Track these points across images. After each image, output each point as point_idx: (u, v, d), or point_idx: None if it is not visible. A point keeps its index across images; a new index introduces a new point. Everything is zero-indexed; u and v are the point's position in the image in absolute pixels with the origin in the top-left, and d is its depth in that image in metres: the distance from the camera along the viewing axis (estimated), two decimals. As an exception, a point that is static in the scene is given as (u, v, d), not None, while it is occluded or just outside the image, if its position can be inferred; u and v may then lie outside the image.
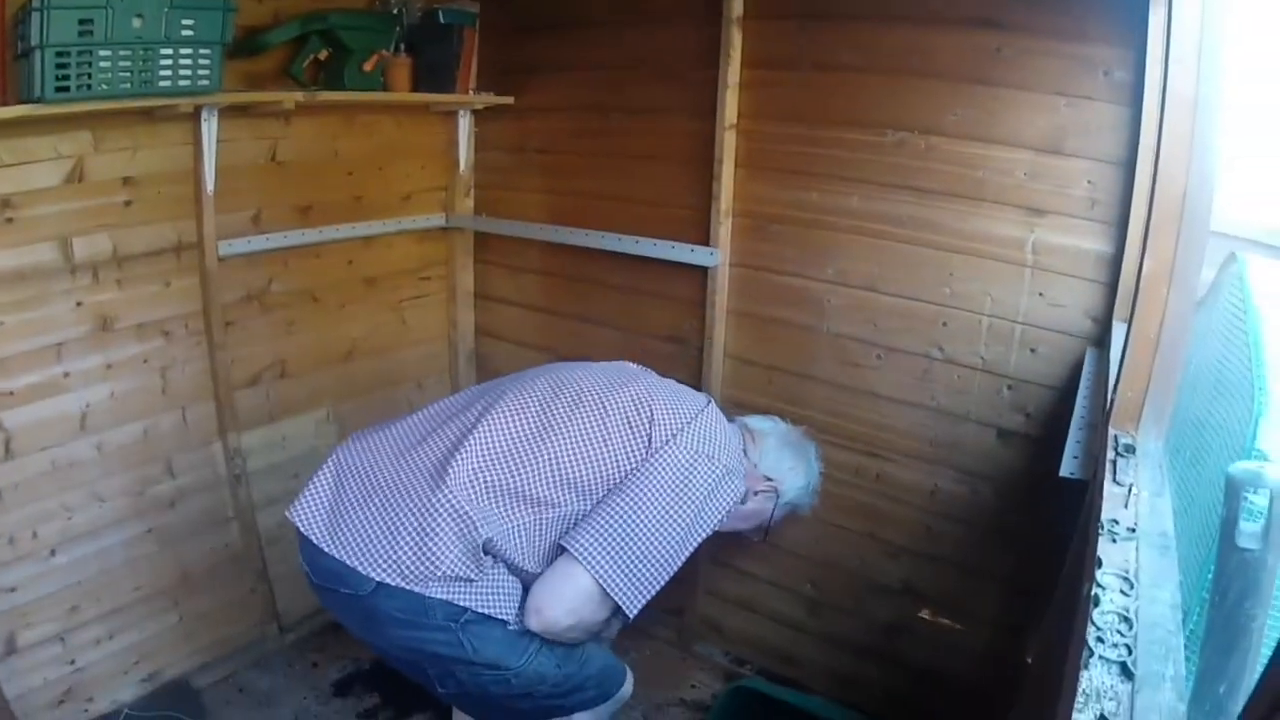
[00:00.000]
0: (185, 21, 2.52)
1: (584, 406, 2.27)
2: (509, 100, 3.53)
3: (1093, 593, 1.35)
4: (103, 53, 2.40)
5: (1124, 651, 1.17)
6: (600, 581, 2.04)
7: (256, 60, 2.92)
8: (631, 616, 2.10)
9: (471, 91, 3.55)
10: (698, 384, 3.21)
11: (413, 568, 2.01)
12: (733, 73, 2.90)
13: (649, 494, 2.14)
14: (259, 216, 3.11)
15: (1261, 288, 2.24)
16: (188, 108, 2.71)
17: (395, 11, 3.19)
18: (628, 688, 2.49)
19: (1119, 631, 1.22)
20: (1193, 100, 1.82)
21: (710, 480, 2.23)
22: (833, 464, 2.96)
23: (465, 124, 3.65)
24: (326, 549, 2.08)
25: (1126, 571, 1.38)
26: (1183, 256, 1.83)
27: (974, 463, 2.74)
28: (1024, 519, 2.65)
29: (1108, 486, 1.67)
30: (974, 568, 2.81)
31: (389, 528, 2.05)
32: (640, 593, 2.09)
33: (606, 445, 2.21)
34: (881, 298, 2.81)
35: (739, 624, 3.39)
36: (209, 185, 2.90)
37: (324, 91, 3.02)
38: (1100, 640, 1.23)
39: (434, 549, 2.01)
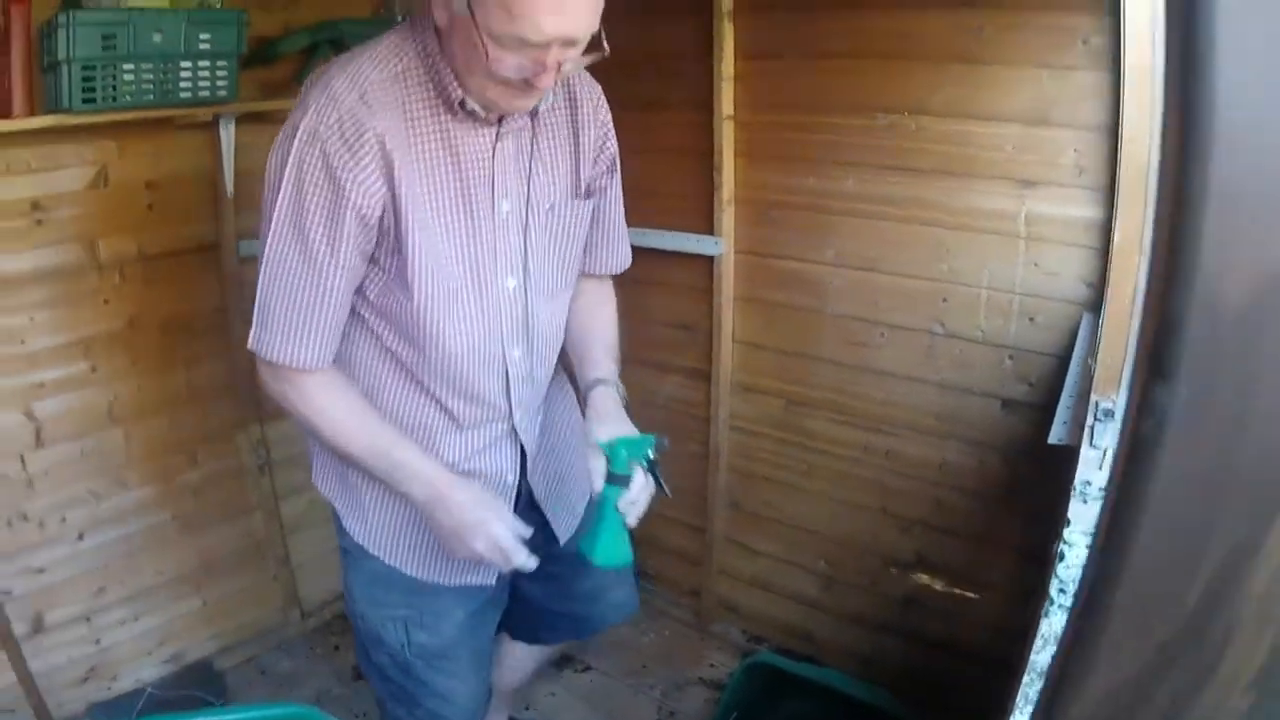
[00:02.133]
0: (202, 35, 2.65)
1: None
2: (513, 96, 3.60)
3: (1059, 549, 1.41)
4: (126, 66, 2.53)
5: (1081, 602, 1.23)
6: None
7: (270, 68, 3.02)
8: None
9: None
10: (708, 369, 3.28)
11: None
12: (727, 64, 2.98)
13: None
14: (277, 218, 3.19)
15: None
16: (206, 116, 2.81)
17: (400, 18, 3.28)
18: None
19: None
20: (1150, 68, 1.86)
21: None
22: (842, 442, 3.05)
23: (472, 122, 3.71)
24: None
25: (1094, 530, 1.42)
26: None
27: (980, 434, 2.78)
28: (1032, 487, 2.67)
29: (1084, 450, 1.72)
30: (985, 537, 2.85)
31: None
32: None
33: None
34: (881, 277, 2.87)
35: (755, 603, 3.45)
36: (228, 188, 3.00)
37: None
38: (1062, 592, 1.31)
39: None
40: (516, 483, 1.96)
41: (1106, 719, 0.75)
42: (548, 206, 1.77)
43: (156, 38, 2.56)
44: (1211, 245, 0.57)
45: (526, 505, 2.00)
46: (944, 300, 2.76)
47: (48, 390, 2.79)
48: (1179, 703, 0.77)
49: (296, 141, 1.54)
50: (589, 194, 1.87)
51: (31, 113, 2.51)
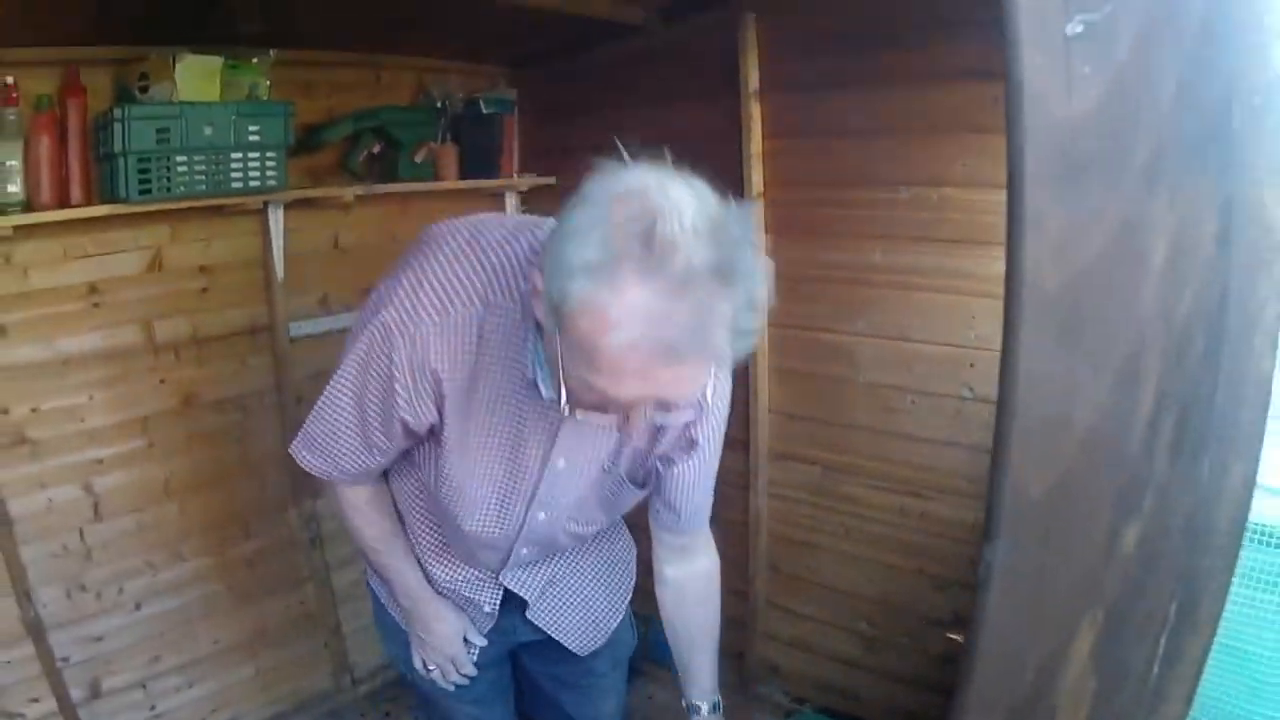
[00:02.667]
0: (251, 128, 2.79)
1: None
2: (551, 180, 3.77)
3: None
4: (179, 158, 2.68)
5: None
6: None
7: (315, 155, 3.18)
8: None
9: (515, 174, 3.79)
10: (746, 438, 3.34)
11: None
12: (755, 143, 3.10)
13: None
14: (326, 299, 3.35)
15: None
16: (256, 203, 2.96)
17: (439, 104, 3.44)
18: None
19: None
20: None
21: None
22: (878, 506, 3.11)
23: (512, 204, 3.86)
24: None
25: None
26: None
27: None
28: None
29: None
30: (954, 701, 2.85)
31: None
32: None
33: None
34: (911, 345, 2.93)
35: (797, 664, 3.48)
36: (278, 271, 3.13)
37: (380, 184, 3.28)
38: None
39: None
40: (495, 612, 1.96)
41: None
42: (603, 467, 1.70)
43: (208, 130, 2.71)
44: (1017, 458, 0.85)
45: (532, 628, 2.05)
46: (972, 365, 2.81)
47: (106, 466, 2.91)
48: None
49: (377, 327, 1.48)
50: (644, 484, 1.77)
51: (88, 201, 2.67)
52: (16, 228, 2.57)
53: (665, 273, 1.10)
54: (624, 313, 1.11)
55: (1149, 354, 0.89)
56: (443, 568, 1.90)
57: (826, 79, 2.95)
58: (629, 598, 2.13)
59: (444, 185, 3.51)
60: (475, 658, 1.99)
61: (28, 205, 2.61)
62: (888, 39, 2.77)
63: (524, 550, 1.83)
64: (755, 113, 3.08)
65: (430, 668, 1.99)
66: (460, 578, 1.91)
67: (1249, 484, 0.97)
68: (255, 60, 2.84)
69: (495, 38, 3.44)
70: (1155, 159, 0.83)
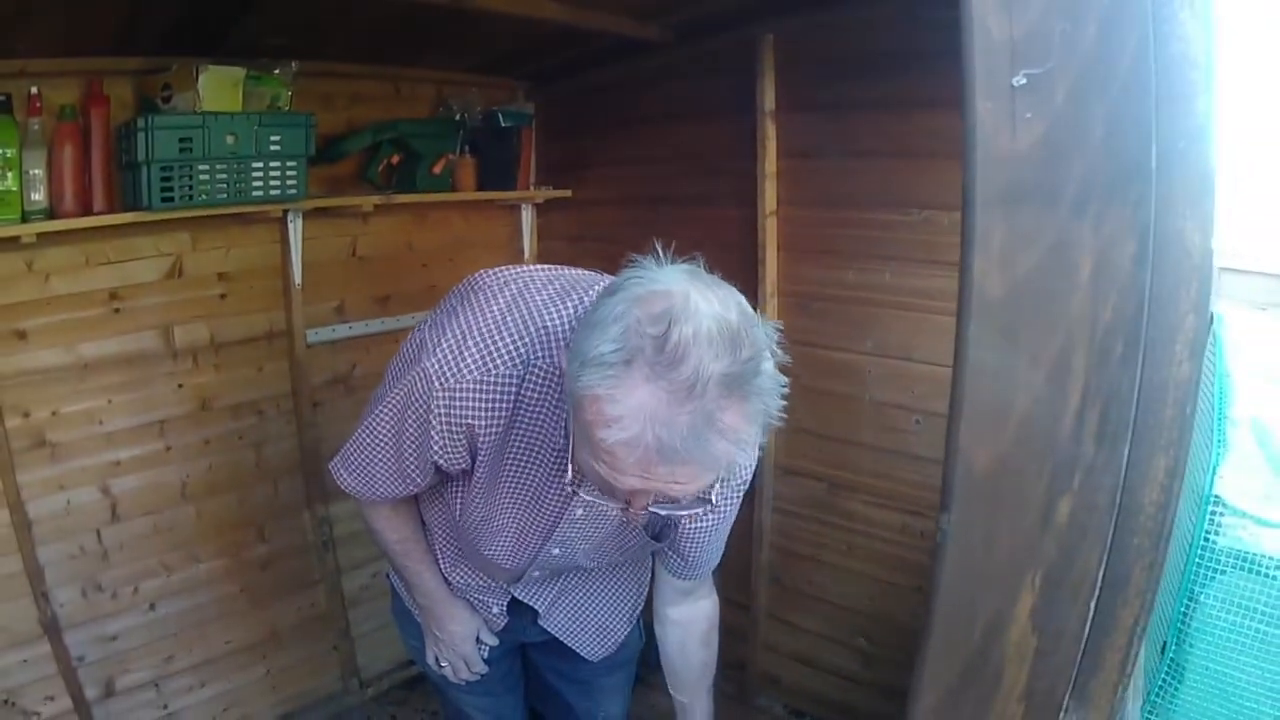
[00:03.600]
0: (273, 138, 2.84)
1: None
2: (567, 193, 3.82)
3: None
4: (201, 167, 2.72)
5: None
6: None
7: (335, 165, 3.22)
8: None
9: (532, 186, 3.84)
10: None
11: None
12: (769, 162, 3.14)
13: None
14: (342, 306, 3.40)
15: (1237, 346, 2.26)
16: (276, 212, 3.01)
17: (458, 116, 3.48)
18: None
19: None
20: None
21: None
22: (880, 523, 3.14)
23: (528, 216, 3.93)
24: None
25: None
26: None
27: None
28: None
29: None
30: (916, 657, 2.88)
31: None
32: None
33: None
34: (917, 366, 2.97)
35: (796, 676, 3.52)
36: (296, 279, 3.19)
37: (398, 194, 3.32)
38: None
39: None
40: (504, 614, 2.01)
41: (946, 708, 1.11)
42: (622, 520, 1.68)
43: (230, 140, 2.76)
44: (966, 438, 0.98)
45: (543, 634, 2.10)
46: (976, 389, 2.83)
47: (124, 468, 2.98)
48: (979, 709, 1.14)
49: (419, 375, 1.52)
50: (660, 536, 1.76)
51: (111, 209, 2.72)
52: (40, 235, 2.63)
53: (673, 377, 1.14)
54: (626, 410, 1.16)
55: (1076, 354, 1.02)
56: (458, 573, 1.96)
57: (842, 101, 2.99)
58: (640, 607, 2.16)
59: (461, 196, 3.57)
60: (485, 654, 2.07)
61: (51, 213, 2.66)
62: (902, 63, 2.80)
63: (536, 573, 1.89)
64: (771, 132, 3.12)
65: (442, 664, 2.07)
66: (474, 584, 1.97)
67: (1174, 474, 1.08)
68: (277, 72, 2.89)
69: (514, 52, 3.47)
70: (1083, 190, 0.98)
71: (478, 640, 2.04)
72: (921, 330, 2.94)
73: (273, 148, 2.86)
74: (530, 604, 2.00)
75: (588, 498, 1.44)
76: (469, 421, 1.52)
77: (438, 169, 3.42)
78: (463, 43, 3.21)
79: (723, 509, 1.72)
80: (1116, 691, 1.19)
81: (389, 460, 1.68)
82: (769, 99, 3.11)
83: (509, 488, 1.65)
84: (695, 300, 1.19)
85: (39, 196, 2.64)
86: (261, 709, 3.39)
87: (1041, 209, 0.96)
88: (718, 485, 1.35)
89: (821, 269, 3.13)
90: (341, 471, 1.77)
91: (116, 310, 2.91)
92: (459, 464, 1.62)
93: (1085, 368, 1.02)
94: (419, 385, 1.51)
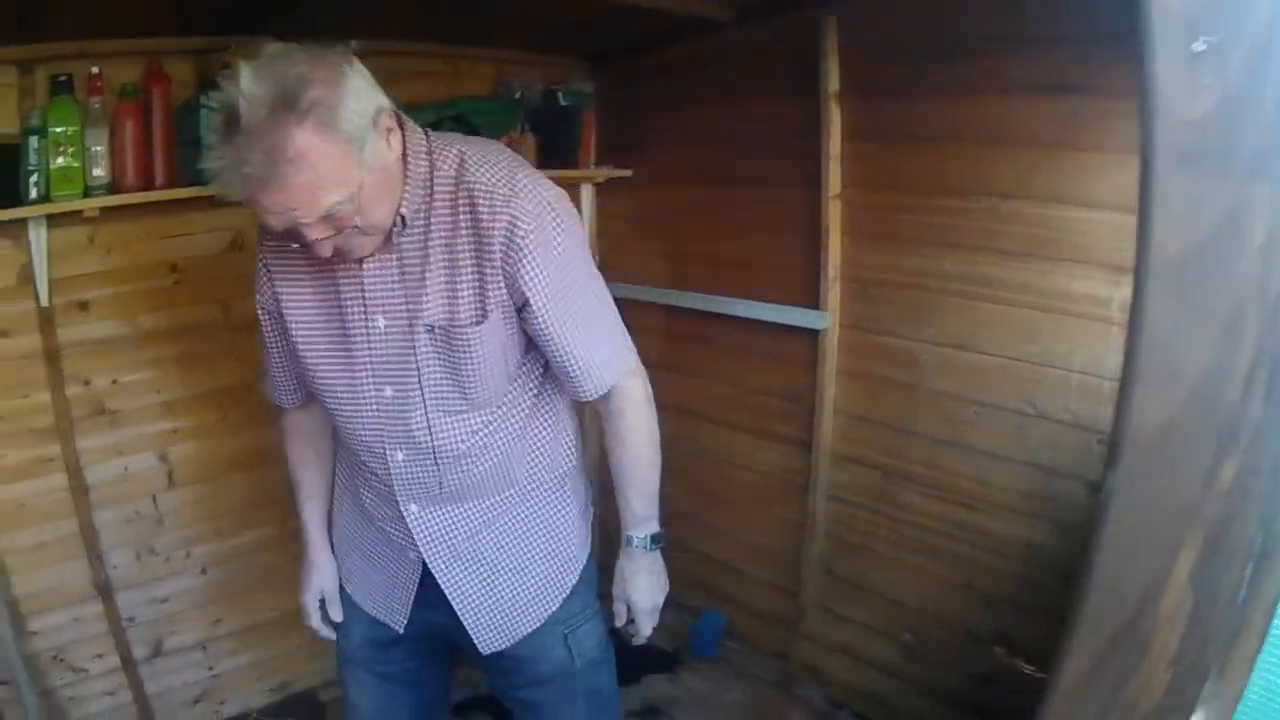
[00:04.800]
0: (335, 115, 2.84)
1: None
2: (627, 173, 3.81)
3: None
4: (263, 145, 2.75)
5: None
6: None
7: (395, 143, 3.22)
8: None
9: (592, 165, 3.82)
10: (809, 439, 3.36)
11: None
12: (834, 144, 3.08)
13: None
14: (398, 281, 3.39)
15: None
16: (336, 186, 3.02)
17: (518, 95, 3.49)
18: None
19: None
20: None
21: None
22: (933, 516, 3.09)
23: (588, 195, 3.93)
24: None
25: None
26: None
27: (1067, 516, 2.78)
28: (1115, 572, 2.67)
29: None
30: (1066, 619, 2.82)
31: None
32: None
33: None
34: (976, 356, 2.91)
35: (838, 668, 3.48)
36: (359, 257, 3.19)
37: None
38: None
39: None
40: (420, 560, 1.96)
41: (1082, 686, 1.10)
42: (426, 326, 1.73)
43: (293, 117, 2.77)
44: (1140, 392, 0.92)
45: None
46: (1036, 381, 2.78)
47: (180, 436, 3.06)
48: (1125, 674, 1.15)
49: None
50: (484, 318, 1.73)
51: (171, 184, 2.78)
52: (103, 209, 2.72)
53: (236, 130, 1.43)
54: (221, 168, 1.45)
55: (1247, 318, 1.05)
56: (367, 492, 2.00)
57: (906, 85, 2.93)
58: (563, 598, 2.06)
59: (517, 173, 3.53)
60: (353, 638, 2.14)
61: (113, 188, 2.75)
62: (968, 49, 2.74)
63: (399, 455, 1.85)
64: (834, 114, 3.08)
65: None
66: (380, 510, 1.99)
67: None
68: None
69: (574, 31, 3.45)
70: (1258, 157, 0.99)
71: (323, 609, 2.15)
72: (981, 320, 2.87)
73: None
74: (420, 537, 1.92)
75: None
76: (264, 245, 1.86)
77: (499, 147, 3.40)
78: (521, 21, 3.21)
79: (549, 291, 1.72)
80: (1253, 662, 1.25)
81: (262, 340, 1.97)
82: (832, 81, 3.06)
83: (314, 320, 1.83)
84: (241, 77, 1.44)
85: (101, 172, 2.73)
86: (305, 673, 3.47)
87: (1218, 175, 0.97)
88: (521, 260, 1.65)
89: (883, 254, 3.08)
90: (260, 382, 2.10)
91: (176, 283, 2.99)
92: (272, 304, 1.88)
93: (1256, 332, 1.05)
94: None
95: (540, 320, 1.75)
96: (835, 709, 3.45)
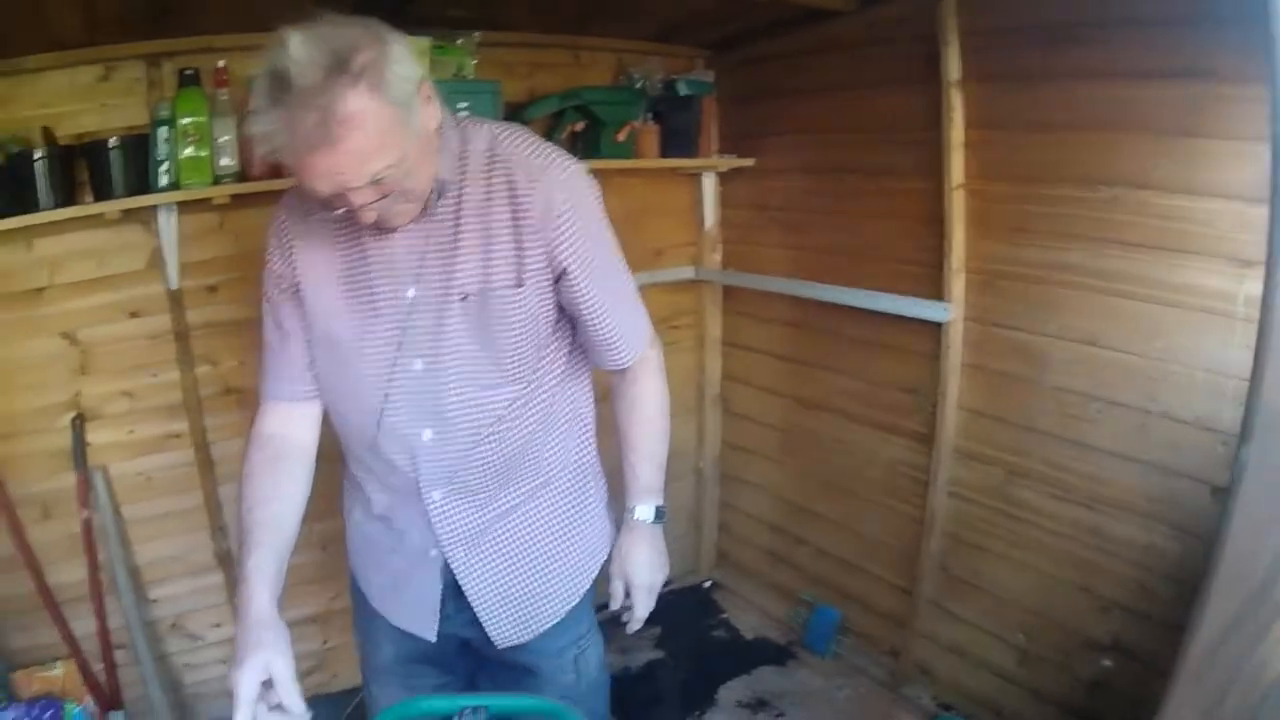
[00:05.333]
0: (461, 104, 2.89)
1: None
2: (749, 162, 3.81)
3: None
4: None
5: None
6: None
7: (520, 133, 3.28)
8: None
9: (714, 155, 3.83)
10: (931, 434, 3.30)
11: None
12: (956, 133, 3.01)
13: None
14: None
15: None
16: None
17: (639, 85, 3.52)
18: None
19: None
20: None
21: None
22: (1052, 515, 3.00)
23: (709, 184, 3.95)
24: None
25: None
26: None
27: (1188, 519, 2.67)
28: (1237, 581, 2.56)
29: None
30: (1183, 628, 2.71)
31: None
32: None
33: None
34: (1100, 351, 2.81)
35: (949, 669, 3.42)
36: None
37: (582, 161, 3.33)
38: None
39: None
40: (441, 560, 1.92)
41: (1214, 649, 1.22)
42: (461, 294, 1.73)
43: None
44: (1273, 369, 1.03)
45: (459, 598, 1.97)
46: (1158, 379, 2.68)
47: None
48: (1256, 637, 1.26)
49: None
50: (521, 284, 1.74)
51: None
52: (232, 197, 2.84)
53: (287, 93, 1.42)
54: (271, 132, 1.45)
55: None
56: (381, 494, 1.97)
57: (1029, 71, 2.85)
58: (583, 592, 2.06)
59: (644, 164, 3.61)
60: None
61: (241, 176, 2.86)
62: (1091, 33, 2.66)
63: (427, 434, 1.81)
64: (957, 102, 3.01)
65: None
66: (397, 511, 1.94)
67: None
68: (460, 42, 2.98)
69: (694, 20, 3.47)
70: None
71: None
72: (1105, 314, 2.78)
73: (461, 111, 2.90)
74: (445, 535, 1.89)
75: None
76: (281, 213, 1.85)
77: (621, 136, 3.45)
78: (640, 11, 3.23)
79: (589, 264, 1.78)
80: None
81: (266, 323, 1.88)
82: (953, 68, 2.99)
83: (337, 293, 1.78)
84: (290, 43, 1.44)
85: (228, 161, 2.86)
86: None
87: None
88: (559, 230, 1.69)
89: (1007, 245, 3.00)
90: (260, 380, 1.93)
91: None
92: (289, 277, 1.81)
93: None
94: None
95: (578, 289, 1.78)
96: (943, 709, 3.38)
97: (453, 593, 1.95)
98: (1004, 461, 3.13)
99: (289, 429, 1.89)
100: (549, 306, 1.80)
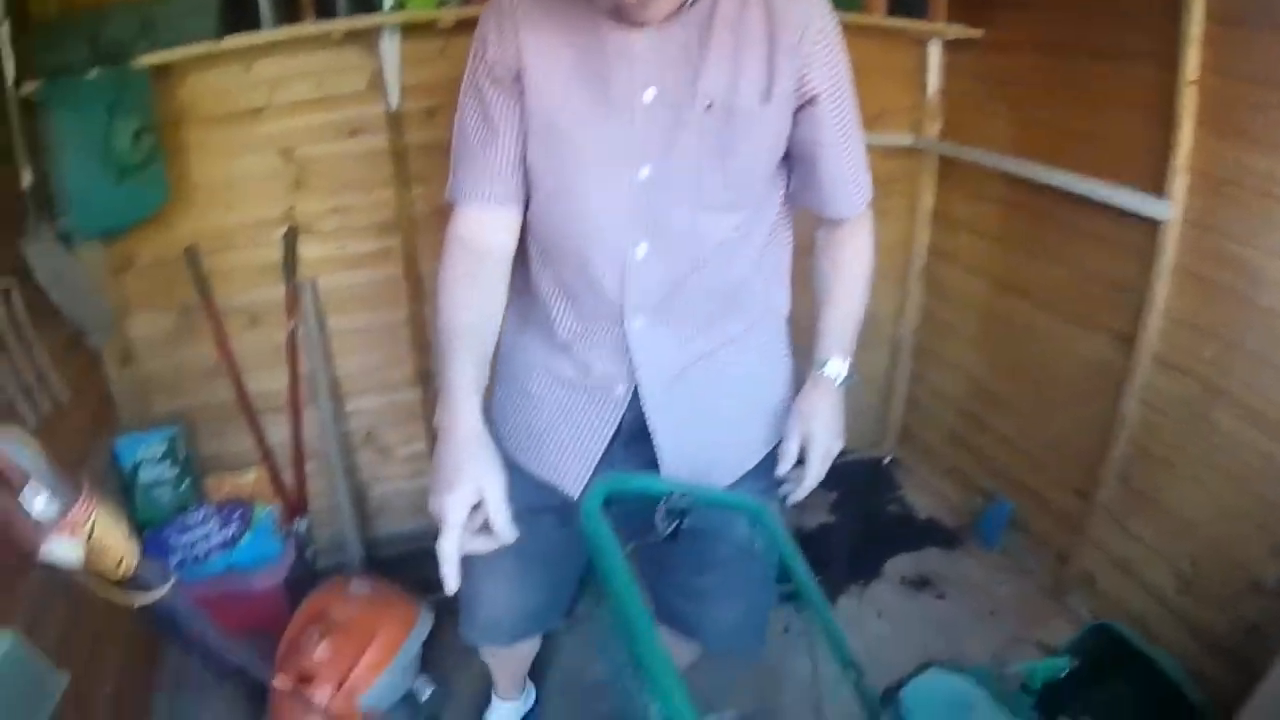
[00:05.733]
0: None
1: None
2: (977, 33, 3.60)
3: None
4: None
5: None
6: None
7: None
8: None
9: (942, 21, 3.65)
10: (1132, 335, 3.14)
11: None
12: (1195, 25, 2.75)
13: None
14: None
15: None
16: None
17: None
18: None
19: None
20: None
21: None
22: (1243, 444, 2.82)
23: (935, 52, 3.77)
24: None
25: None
26: None
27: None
28: None
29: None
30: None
31: None
32: None
33: None
34: (1321, 274, 2.59)
35: (1111, 583, 3.32)
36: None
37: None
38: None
39: None
40: (627, 398, 1.85)
41: None
42: (705, 102, 1.63)
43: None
44: None
45: (639, 436, 1.89)
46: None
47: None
48: None
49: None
50: (769, 100, 1.66)
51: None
52: (457, 22, 2.93)
53: None
54: None
55: None
56: (570, 319, 1.85)
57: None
58: (765, 452, 1.97)
59: (869, 20, 3.48)
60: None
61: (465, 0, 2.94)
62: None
63: (641, 249, 1.74)
64: (1197, -10, 2.75)
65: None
66: (586, 339, 1.85)
67: None
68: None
69: None
70: None
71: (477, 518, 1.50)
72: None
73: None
74: (640, 359, 1.81)
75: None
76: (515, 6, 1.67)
77: (851, -12, 3.33)
78: None
79: (836, 98, 1.72)
80: None
81: (472, 113, 1.75)
82: (1196, -48, 2.72)
83: (569, 89, 1.68)
84: None
85: None
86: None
87: None
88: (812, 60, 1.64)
89: (1238, 151, 2.75)
90: (449, 180, 1.83)
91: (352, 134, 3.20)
92: (511, 73, 1.68)
93: None
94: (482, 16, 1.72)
95: (825, 121, 1.73)
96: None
97: (626, 439, 1.89)
98: (1203, 377, 2.94)
99: (489, 234, 1.79)
100: (785, 134, 1.74)
